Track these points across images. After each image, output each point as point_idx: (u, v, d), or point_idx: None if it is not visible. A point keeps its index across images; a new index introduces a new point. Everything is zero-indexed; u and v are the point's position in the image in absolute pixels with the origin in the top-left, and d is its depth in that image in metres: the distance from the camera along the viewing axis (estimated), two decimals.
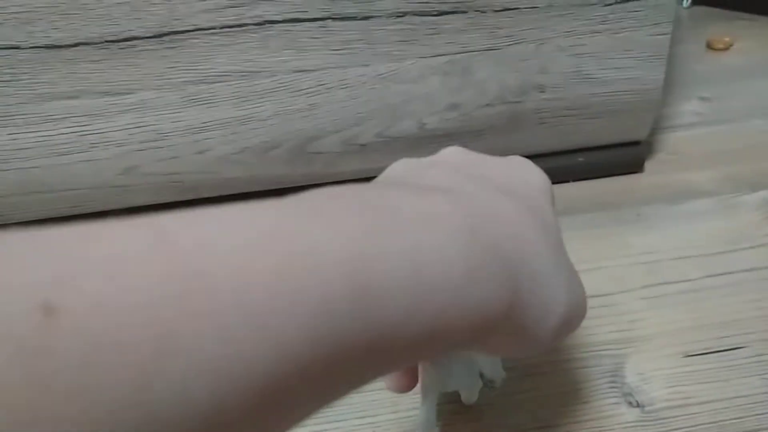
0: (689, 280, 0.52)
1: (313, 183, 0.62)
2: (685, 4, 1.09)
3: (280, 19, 0.52)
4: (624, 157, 0.66)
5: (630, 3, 0.55)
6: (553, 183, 0.66)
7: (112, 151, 0.55)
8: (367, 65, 0.55)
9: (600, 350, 0.47)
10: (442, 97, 0.57)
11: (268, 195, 0.66)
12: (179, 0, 0.50)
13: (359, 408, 0.43)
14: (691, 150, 0.70)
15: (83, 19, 0.50)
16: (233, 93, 0.55)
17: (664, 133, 0.73)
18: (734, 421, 0.41)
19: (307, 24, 0.53)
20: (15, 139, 0.53)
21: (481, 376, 0.33)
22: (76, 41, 0.52)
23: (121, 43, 0.52)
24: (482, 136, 0.60)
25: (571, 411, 0.42)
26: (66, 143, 0.54)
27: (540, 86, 0.58)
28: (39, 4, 0.49)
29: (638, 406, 0.43)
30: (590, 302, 0.51)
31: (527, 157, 0.65)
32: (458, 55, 0.56)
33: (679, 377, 0.44)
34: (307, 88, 0.55)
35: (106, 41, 0.52)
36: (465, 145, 0.61)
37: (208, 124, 0.55)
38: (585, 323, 0.49)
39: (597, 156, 0.65)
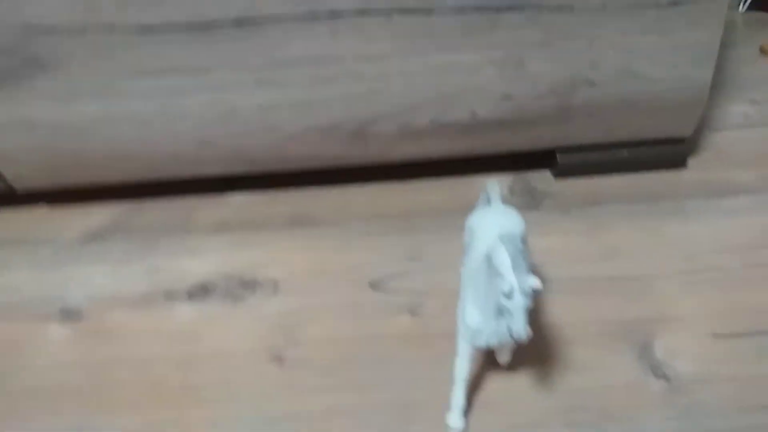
0: (724, 269, 0.55)
1: (369, 163, 0.66)
2: (741, 9, 1.09)
3: (350, 11, 0.56)
4: (668, 152, 0.68)
5: (682, 6, 0.58)
6: (597, 174, 0.69)
7: (189, 125, 0.61)
8: (426, 56, 0.59)
9: (632, 327, 0.50)
10: (496, 87, 0.61)
11: (326, 170, 0.70)
12: None
13: (403, 362, 0.48)
14: (736, 150, 0.72)
15: (171, 4, 0.56)
16: (303, 77, 0.59)
17: (711, 133, 0.75)
18: (757, 396, 0.44)
19: (374, 16, 0.57)
20: (107, 110, 0.59)
21: (509, 331, 0.37)
22: (164, 23, 0.58)
23: (204, 27, 0.58)
24: (533, 126, 0.63)
25: (601, 378, 0.46)
26: (150, 115, 0.60)
27: (590, 81, 0.61)
28: None
29: (665, 378, 0.46)
30: (626, 284, 0.54)
31: (573, 148, 0.68)
32: (513, 49, 0.59)
33: (707, 356, 0.47)
34: (370, 75, 0.60)
35: (191, 24, 0.58)
36: (515, 134, 0.65)
37: (279, 104, 0.60)
38: (619, 302, 0.52)
39: (641, 151, 0.68)
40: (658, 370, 0.46)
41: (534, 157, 0.70)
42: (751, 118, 0.78)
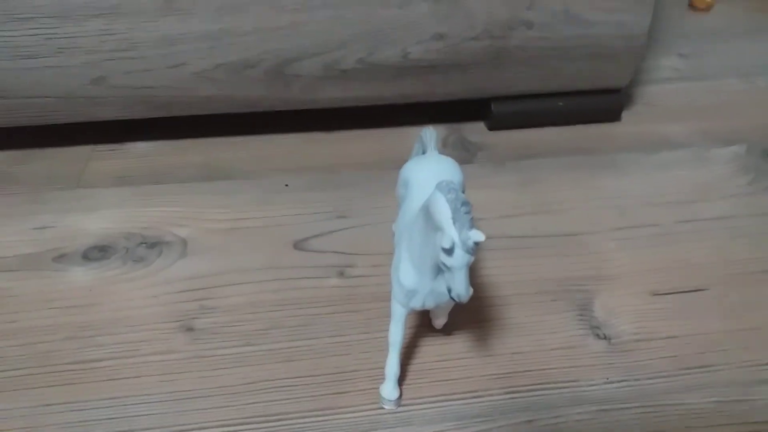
0: (659, 225, 0.53)
1: (290, 108, 0.60)
2: None
3: None
4: (603, 104, 0.66)
5: None
6: (532, 126, 0.67)
7: (80, 59, 0.53)
8: None
9: (570, 286, 0.47)
10: (429, 25, 0.56)
11: (243, 118, 0.64)
12: None
13: (332, 328, 0.44)
14: (667, 103, 0.71)
15: None
16: (212, 4, 0.52)
17: (642, 86, 0.74)
18: (695, 355, 0.43)
19: None
20: None
21: (449, 291, 0.33)
22: None
23: None
24: (466, 70, 0.59)
25: (540, 340, 0.43)
26: (31, 46, 0.51)
27: (528, 23, 0.57)
28: None
29: (605, 338, 0.44)
30: (563, 240, 0.52)
31: (508, 97, 0.65)
32: None
33: (645, 314, 0.45)
34: (290, 5, 0.53)
35: None
36: (448, 79, 0.61)
37: (184, 36, 0.53)
38: (556, 260, 0.50)
39: (576, 101, 0.65)
40: (598, 331, 0.44)
41: (468, 109, 0.66)
42: (681, 71, 0.78)
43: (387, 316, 0.38)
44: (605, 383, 0.41)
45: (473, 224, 0.31)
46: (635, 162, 0.61)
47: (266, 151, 0.61)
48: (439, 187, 0.32)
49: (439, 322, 0.43)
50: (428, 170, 0.40)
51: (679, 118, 0.68)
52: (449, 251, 0.31)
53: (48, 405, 0.39)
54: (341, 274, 0.48)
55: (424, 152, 0.43)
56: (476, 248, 0.31)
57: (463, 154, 0.62)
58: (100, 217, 0.52)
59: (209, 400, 0.39)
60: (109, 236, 0.50)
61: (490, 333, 0.43)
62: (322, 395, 0.39)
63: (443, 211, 0.31)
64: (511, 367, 0.41)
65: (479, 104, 0.65)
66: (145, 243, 0.50)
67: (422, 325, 0.44)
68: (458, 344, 0.43)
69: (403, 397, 0.39)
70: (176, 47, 0.53)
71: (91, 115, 0.57)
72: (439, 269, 0.34)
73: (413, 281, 0.36)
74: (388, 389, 0.38)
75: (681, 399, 0.40)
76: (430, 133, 0.44)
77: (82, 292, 0.46)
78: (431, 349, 0.42)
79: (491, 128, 0.66)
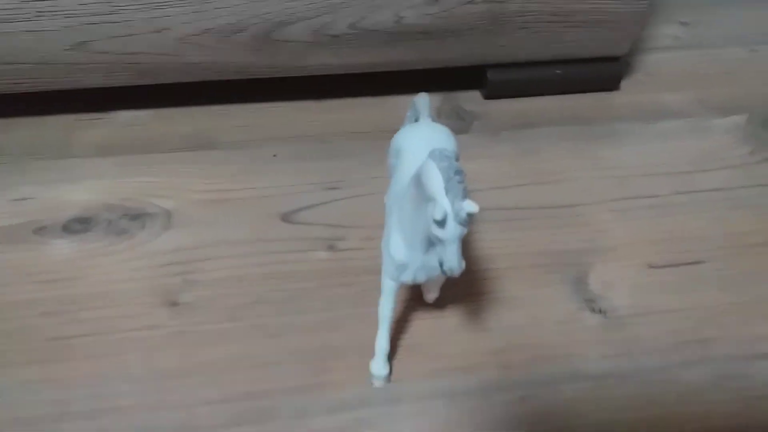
0: (657, 196, 0.52)
1: (279, 75, 0.58)
2: None
3: None
4: (601, 72, 0.64)
5: None
6: (529, 95, 0.65)
7: (60, 22, 0.50)
8: None
9: (565, 258, 0.46)
10: None
11: (230, 85, 0.62)
12: None
13: (320, 302, 0.42)
14: (667, 72, 0.69)
15: None
16: None
17: (641, 54, 0.72)
18: (692, 329, 0.42)
19: None
20: None
21: (440, 264, 0.31)
22: None
23: None
24: (462, 36, 0.57)
25: (534, 314, 0.42)
26: (8, 9, 0.49)
27: None
28: None
29: (601, 312, 0.43)
30: (559, 212, 0.51)
31: (505, 64, 0.63)
32: None
33: (641, 287, 0.44)
34: None
35: None
36: (443, 46, 0.59)
37: None
38: (551, 232, 0.49)
39: (574, 69, 0.63)
40: (593, 304, 0.43)
41: (463, 77, 0.64)
42: (681, 39, 0.76)
43: (378, 290, 0.37)
44: (601, 358, 0.40)
45: (467, 194, 0.30)
46: (634, 132, 0.60)
47: (254, 120, 0.59)
48: (431, 155, 0.31)
49: (431, 296, 0.41)
50: (421, 138, 0.38)
51: (679, 88, 0.66)
52: (441, 223, 0.29)
53: (26, 382, 0.37)
54: (331, 248, 0.46)
55: (416, 120, 0.42)
56: (469, 220, 0.30)
57: (458, 123, 0.60)
58: (83, 188, 0.50)
59: (192, 377, 0.38)
60: (91, 208, 0.49)
61: (483, 307, 0.42)
62: (309, 372, 0.38)
63: (435, 180, 0.30)
64: (504, 342, 0.40)
65: (475, 72, 0.63)
66: (127, 215, 0.48)
67: (413, 299, 0.42)
68: (450, 319, 0.42)
69: (394, 373, 0.38)
70: (160, 11, 0.51)
71: (73, 83, 0.55)
72: (431, 242, 0.33)
73: (404, 254, 0.34)
74: (378, 365, 0.37)
75: (678, 374, 0.39)
76: (423, 100, 0.42)
77: (62, 266, 0.44)
78: (423, 323, 0.41)
79: (487, 97, 0.64)
